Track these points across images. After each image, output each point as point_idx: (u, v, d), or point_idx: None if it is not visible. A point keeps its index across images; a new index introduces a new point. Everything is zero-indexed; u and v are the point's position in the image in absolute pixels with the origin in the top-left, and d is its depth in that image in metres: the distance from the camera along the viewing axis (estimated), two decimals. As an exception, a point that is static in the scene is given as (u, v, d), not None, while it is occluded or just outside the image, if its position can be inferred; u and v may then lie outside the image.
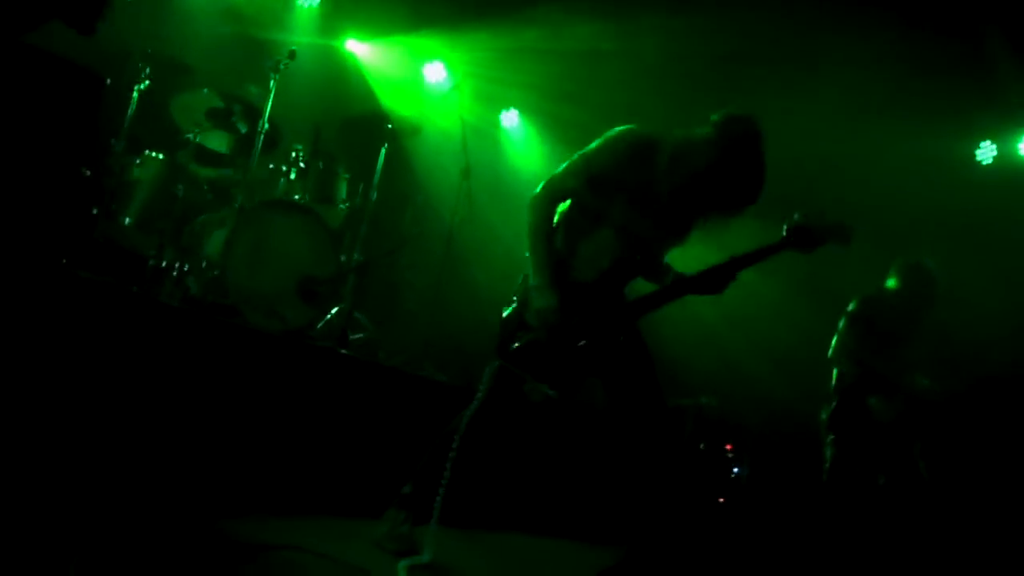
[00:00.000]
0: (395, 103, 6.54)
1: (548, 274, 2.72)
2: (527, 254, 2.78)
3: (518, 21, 6.31)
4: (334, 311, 4.84)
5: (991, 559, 4.32)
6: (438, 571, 2.76)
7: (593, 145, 2.77)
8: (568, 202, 2.82)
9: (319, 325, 4.65)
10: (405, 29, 6.66)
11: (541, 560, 3.65)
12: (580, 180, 2.75)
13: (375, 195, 5.36)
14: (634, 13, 6.04)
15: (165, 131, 4.88)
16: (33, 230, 1.69)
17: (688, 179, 2.64)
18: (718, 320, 6.38)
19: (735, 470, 5.62)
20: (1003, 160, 6.06)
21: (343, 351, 4.10)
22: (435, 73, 6.79)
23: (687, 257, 2.99)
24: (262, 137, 4.57)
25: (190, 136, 4.79)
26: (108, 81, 2.49)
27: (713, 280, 2.77)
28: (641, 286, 2.90)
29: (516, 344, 2.75)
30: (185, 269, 4.39)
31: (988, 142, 6.09)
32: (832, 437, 4.30)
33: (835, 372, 4.39)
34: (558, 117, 6.95)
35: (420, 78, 6.87)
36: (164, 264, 4.32)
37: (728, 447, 5.67)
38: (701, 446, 5.63)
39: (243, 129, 4.89)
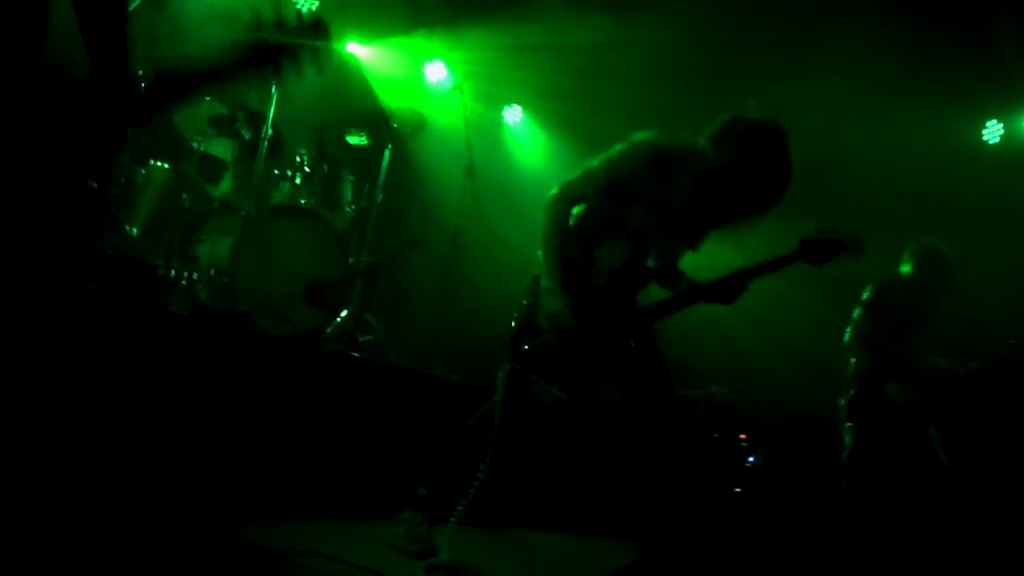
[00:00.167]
0: (398, 103, 6.54)
1: (560, 277, 2.71)
2: (539, 253, 2.76)
3: (517, 17, 6.30)
4: (344, 314, 4.85)
5: (1009, 543, 4.29)
6: (457, 571, 2.76)
7: (615, 152, 2.72)
8: (583, 205, 2.79)
9: (329, 329, 4.66)
10: (405, 29, 6.66)
11: (561, 557, 3.64)
12: (599, 187, 2.72)
13: (380, 196, 5.36)
14: (634, 5, 6.02)
15: (169, 140, 4.88)
16: (43, 245, 1.70)
17: (707, 190, 2.65)
18: (728, 309, 6.32)
19: (750, 459, 5.61)
20: (1010, 139, 6.03)
21: (354, 354, 4.11)
22: (436, 72, 6.81)
23: (703, 258, 2.99)
24: (266, 143, 4.58)
25: (195, 144, 4.79)
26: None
27: (725, 290, 2.80)
28: (655, 292, 2.91)
29: (527, 347, 2.75)
30: (194, 278, 4.40)
31: (995, 121, 6.07)
32: (851, 424, 4.29)
33: (851, 360, 4.38)
34: (560, 112, 6.92)
35: (421, 78, 6.88)
36: (172, 273, 4.33)
37: (743, 436, 5.66)
38: (715, 436, 5.62)
39: (247, 135, 4.89)
